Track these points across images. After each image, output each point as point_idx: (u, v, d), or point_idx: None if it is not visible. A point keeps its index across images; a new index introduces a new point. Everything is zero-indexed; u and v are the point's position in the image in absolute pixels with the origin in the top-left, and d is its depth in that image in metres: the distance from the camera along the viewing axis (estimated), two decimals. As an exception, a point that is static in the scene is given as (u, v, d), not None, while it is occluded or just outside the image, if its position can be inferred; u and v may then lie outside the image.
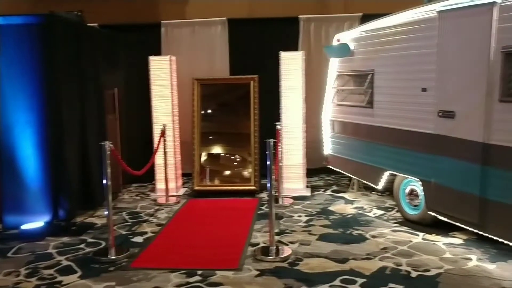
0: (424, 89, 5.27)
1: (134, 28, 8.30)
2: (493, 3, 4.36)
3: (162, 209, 6.67)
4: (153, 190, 7.62)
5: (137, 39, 8.24)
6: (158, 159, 7.17)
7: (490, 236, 4.56)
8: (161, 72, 7.35)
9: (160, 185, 7.40)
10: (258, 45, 8.33)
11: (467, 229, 4.89)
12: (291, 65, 7.22)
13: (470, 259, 4.58)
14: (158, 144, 6.99)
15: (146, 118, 7.63)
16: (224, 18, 8.41)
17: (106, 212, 5.00)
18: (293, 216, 6.19)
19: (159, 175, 7.39)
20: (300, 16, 8.41)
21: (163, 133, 7.00)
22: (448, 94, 4.95)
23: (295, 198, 7.00)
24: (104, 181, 4.88)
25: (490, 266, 4.40)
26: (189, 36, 8.54)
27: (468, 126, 4.68)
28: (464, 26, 4.73)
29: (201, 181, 7.50)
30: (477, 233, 4.80)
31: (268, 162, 4.89)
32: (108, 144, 4.89)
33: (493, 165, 4.43)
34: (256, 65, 7.95)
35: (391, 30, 5.84)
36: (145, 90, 7.53)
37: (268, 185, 4.88)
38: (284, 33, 8.36)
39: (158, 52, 8.13)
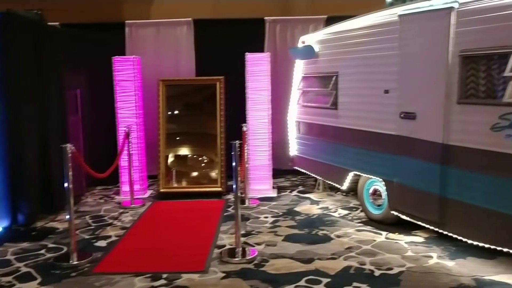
0: (386, 91, 5.38)
1: (97, 27, 8.13)
2: (451, 8, 4.50)
3: (127, 212, 6.56)
4: (118, 192, 7.49)
5: (101, 39, 8.07)
6: (123, 161, 7.06)
7: (449, 234, 4.70)
8: (126, 72, 7.24)
9: (125, 187, 7.28)
10: (224, 46, 8.31)
11: (428, 228, 5.01)
12: (257, 67, 7.24)
13: (431, 257, 4.70)
14: (123, 146, 6.87)
15: (110, 120, 7.50)
16: (190, 19, 8.35)
17: (67, 216, 4.87)
18: (259, 217, 6.20)
19: (124, 177, 7.27)
20: (265, 17, 8.44)
21: (127, 135, 6.89)
22: (409, 96, 5.07)
23: (261, 199, 7.02)
24: (66, 184, 4.76)
25: (450, 263, 4.53)
26: (154, 36, 8.44)
27: (428, 127, 4.81)
28: (424, 29, 4.86)
29: (167, 183, 7.42)
30: (437, 231, 4.93)
31: (234, 164, 4.90)
32: (69, 146, 4.77)
33: (451, 165, 4.56)
34: (222, 66, 7.93)
35: (354, 33, 5.94)
36: (109, 91, 7.40)
37: (234, 186, 4.87)
38: (250, 35, 8.38)
39: (122, 53, 8.01)
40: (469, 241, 4.47)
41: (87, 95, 7.63)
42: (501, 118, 4.04)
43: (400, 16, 5.15)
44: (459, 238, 4.58)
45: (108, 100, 7.50)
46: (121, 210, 6.67)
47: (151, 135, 7.65)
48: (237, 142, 4.90)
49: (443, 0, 4.64)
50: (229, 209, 6.53)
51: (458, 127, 4.50)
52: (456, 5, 4.46)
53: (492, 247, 4.25)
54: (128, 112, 7.29)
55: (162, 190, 7.32)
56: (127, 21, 8.35)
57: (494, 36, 4.12)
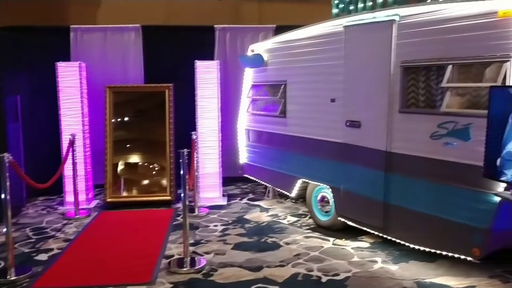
0: (333, 100, 5.51)
1: (40, 31, 7.82)
2: (393, 21, 4.67)
3: (71, 223, 6.33)
4: (62, 203, 7.21)
5: (44, 43, 7.79)
6: (67, 170, 6.81)
7: (393, 239, 4.84)
8: (70, 79, 7.02)
9: (69, 197, 7.02)
10: (173, 53, 8.24)
11: (373, 233, 5.15)
12: (207, 74, 7.23)
13: (376, 262, 4.82)
14: (67, 155, 6.64)
15: (53, 127, 7.22)
16: (138, 25, 8.21)
17: (4, 229, 4.64)
18: (209, 226, 6.16)
19: (68, 187, 7.01)
20: (215, 25, 8.44)
21: (72, 143, 6.66)
22: (354, 105, 5.21)
23: (211, 207, 6.97)
24: (3, 196, 4.53)
25: (393, 267, 4.66)
26: (101, 42, 8.22)
27: (372, 135, 4.95)
28: (368, 41, 5.01)
29: (115, 192, 7.23)
30: (382, 237, 5.07)
31: (182, 172, 4.84)
32: (7, 156, 4.55)
33: (394, 172, 4.72)
34: (171, 74, 7.86)
35: (302, 42, 6.04)
36: (52, 98, 7.14)
37: (182, 195, 4.81)
38: (200, 42, 8.35)
39: (67, 58, 7.75)
40: (411, 246, 4.63)
41: (28, 101, 7.32)
42: (440, 126, 4.22)
43: (345, 27, 5.29)
44: (402, 242, 4.73)
45: (51, 107, 7.23)
46: (65, 222, 6.43)
47: (99, 143, 7.44)
48: (185, 150, 4.85)
49: (385, 13, 4.82)
50: (178, 218, 6.44)
51: (400, 135, 4.66)
52: (397, 18, 4.64)
53: (433, 250, 4.41)
54: (73, 119, 7.06)
55: (108, 199, 7.13)
56: (72, 26, 8.10)
57: (432, 48, 4.32)
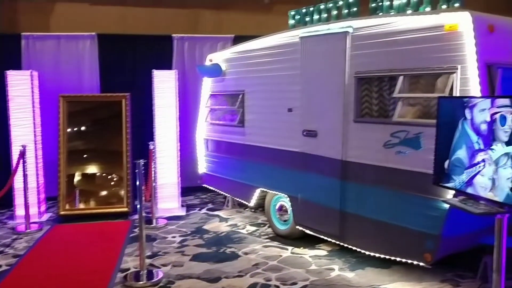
0: (290, 110, 5.56)
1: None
2: (346, 33, 4.78)
3: (21, 238, 6.08)
4: (12, 217, 6.92)
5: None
6: (17, 182, 6.55)
7: (349, 246, 4.92)
8: (21, 88, 6.78)
9: (19, 211, 6.75)
10: (131, 62, 8.14)
11: (331, 241, 5.21)
12: (164, 84, 7.16)
13: (333, 269, 4.88)
14: (17, 166, 6.39)
15: (3, 138, 6.95)
16: (94, 33, 8.05)
17: None
18: (167, 237, 6.06)
19: (18, 200, 6.74)
20: (173, 35, 8.39)
21: (22, 154, 6.42)
22: (311, 115, 5.28)
23: (169, 218, 6.87)
24: None
25: (350, 275, 4.73)
26: (54, 50, 7.99)
27: (328, 144, 5.03)
28: (323, 51, 5.11)
29: (69, 204, 7.01)
30: (339, 244, 5.14)
31: (137, 183, 4.76)
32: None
33: (349, 180, 4.80)
34: (128, 83, 7.76)
35: (259, 52, 6.09)
36: (2, 107, 6.87)
37: (138, 206, 4.73)
38: (158, 51, 8.28)
39: (18, 66, 7.49)
40: (367, 252, 4.71)
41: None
42: (392, 135, 4.34)
43: (301, 38, 5.37)
44: (358, 250, 4.81)
45: (1, 117, 6.96)
46: (15, 236, 6.16)
47: (52, 154, 7.21)
48: (141, 161, 4.77)
49: (339, 25, 4.93)
50: (136, 230, 6.31)
51: (355, 144, 4.76)
52: (350, 30, 4.75)
53: (387, 257, 4.50)
54: (24, 130, 6.81)
55: (62, 212, 6.90)
56: (23, 33, 7.84)
57: (384, 60, 4.44)
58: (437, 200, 3.91)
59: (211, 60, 7.15)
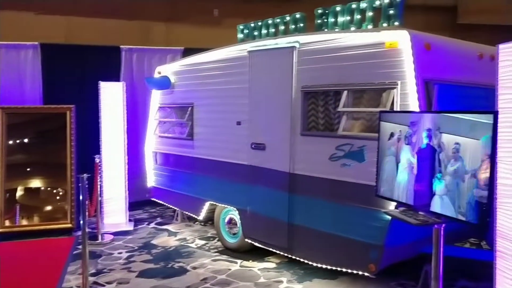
0: (238, 123, 5.59)
1: None
2: (293, 47, 4.88)
3: (-45, 258, 5.73)
4: None
5: None
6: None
7: (297, 258, 4.96)
8: (-44, 98, 6.44)
9: (-47, 229, 6.36)
10: (76, 73, 7.92)
11: (280, 253, 5.23)
12: (112, 96, 7.01)
13: (281, 282, 4.90)
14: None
15: None
16: (37, 43, 7.78)
17: None
18: (113, 254, 5.89)
19: (-48, 217, 6.37)
20: (122, 46, 8.25)
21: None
22: (259, 128, 5.32)
23: (116, 233, 6.69)
24: None
25: (298, 287, 4.77)
26: (-6, 59, 7.67)
27: (276, 157, 5.08)
28: (271, 66, 5.18)
29: (9, 221, 6.66)
30: (288, 256, 5.17)
31: (81, 198, 4.61)
32: None
33: (297, 193, 4.86)
34: (74, 94, 7.53)
35: (208, 66, 6.09)
36: None
37: (81, 222, 4.57)
38: (105, 63, 8.11)
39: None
40: (315, 264, 4.77)
41: None
42: (337, 149, 4.44)
43: (249, 52, 5.42)
44: (306, 261, 4.86)
45: None
46: None
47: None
48: (85, 175, 4.63)
49: (287, 40, 5.02)
50: (80, 246, 6.08)
51: (302, 157, 4.83)
52: (297, 45, 4.85)
53: (334, 268, 4.58)
54: (-41, 143, 6.46)
55: (0, 230, 6.55)
56: (-41, 42, 7.48)
57: (329, 75, 4.56)
58: (380, 211, 4.03)
59: (160, 73, 7.08)
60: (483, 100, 4.34)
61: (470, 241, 5.79)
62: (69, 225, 6.76)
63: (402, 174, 3.57)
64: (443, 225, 3.18)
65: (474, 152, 2.97)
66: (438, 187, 3.23)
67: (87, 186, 4.67)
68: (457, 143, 3.09)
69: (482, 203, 2.92)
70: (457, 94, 4.13)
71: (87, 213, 4.71)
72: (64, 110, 7.02)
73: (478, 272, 4.81)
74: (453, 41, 4.65)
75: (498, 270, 3.17)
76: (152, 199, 7.44)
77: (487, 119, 2.92)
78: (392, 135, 3.70)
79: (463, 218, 3.04)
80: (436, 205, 3.24)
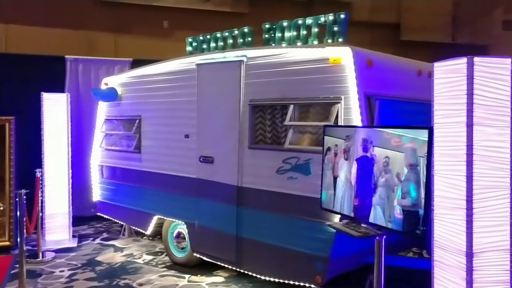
0: (187, 136, 5.55)
1: None
2: (241, 61, 4.91)
3: None
4: None
5: None
6: None
7: (245, 271, 4.95)
8: None
9: None
10: (16, 83, 7.60)
11: (228, 267, 5.20)
12: (55, 107, 6.78)
13: (230, 296, 4.87)
14: None
15: None
16: (-26, 51, 7.44)
17: None
18: (54, 272, 5.64)
19: None
20: (66, 56, 8.02)
21: None
22: (207, 141, 5.30)
23: (58, 250, 6.42)
24: None
25: (246, 300, 4.75)
26: None
27: (225, 170, 5.07)
28: (219, 79, 5.19)
29: None
30: (236, 270, 5.15)
31: (18, 214, 4.41)
32: None
33: (245, 206, 4.87)
34: (14, 105, 7.21)
35: (156, 78, 6.03)
36: None
37: (18, 239, 4.37)
38: (49, 73, 7.84)
39: None
40: (263, 277, 4.77)
41: None
42: (284, 162, 4.49)
43: (197, 65, 5.42)
44: (255, 275, 4.86)
45: None
46: None
47: None
48: (23, 190, 4.44)
49: (235, 53, 5.06)
50: (17, 265, 5.80)
51: (250, 170, 4.85)
52: (245, 59, 4.90)
53: (282, 280, 4.59)
54: None
55: None
56: None
57: (276, 89, 4.63)
58: (325, 223, 4.09)
59: (106, 84, 6.93)
60: (422, 115, 4.53)
61: (413, 251, 6.00)
62: (7, 243, 6.42)
63: (342, 187, 3.66)
64: (384, 236, 3.28)
65: (400, 165, 3.12)
66: (373, 198, 3.35)
67: (25, 202, 4.47)
68: (386, 157, 3.22)
69: (408, 211, 3.05)
70: (398, 109, 4.30)
71: (25, 230, 4.50)
72: (3, 122, 6.70)
73: (419, 281, 4.97)
74: (394, 58, 4.85)
75: (435, 279, 3.30)
76: (98, 213, 7.22)
77: (416, 134, 3.09)
78: (329, 149, 3.81)
79: (392, 227, 3.18)
80: (373, 217, 3.35)
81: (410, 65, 4.91)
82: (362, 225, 3.45)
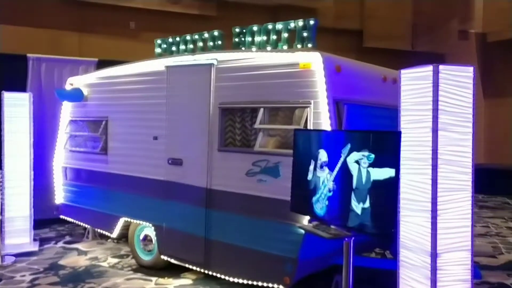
0: (155, 138, 5.51)
1: None
2: (211, 64, 4.94)
3: None
4: None
5: None
6: None
7: (214, 273, 4.96)
8: None
9: None
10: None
11: (196, 269, 5.19)
12: (16, 107, 6.57)
13: (198, 298, 4.87)
14: None
15: None
16: None
17: None
18: (14, 277, 5.48)
19: None
20: (29, 54, 7.80)
21: None
22: (177, 143, 5.29)
23: (19, 255, 6.23)
24: None
25: (214, 302, 4.76)
26: None
27: (194, 173, 5.08)
28: (189, 81, 5.20)
29: None
30: (204, 272, 5.15)
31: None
32: None
33: (214, 208, 4.89)
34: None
35: (125, 79, 5.96)
36: None
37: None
38: (10, 72, 7.61)
39: None
40: (231, 279, 4.80)
41: None
42: (254, 164, 4.54)
43: (167, 67, 5.40)
44: (223, 277, 4.87)
45: None
46: None
47: None
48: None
49: (205, 56, 5.08)
50: (-24, 270, 5.61)
51: (219, 173, 4.87)
52: (215, 62, 4.92)
53: (250, 282, 4.63)
54: None
55: None
56: None
57: (246, 92, 4.68)
58: (294, 225, 4.17)
59: (72, 84, 6.80)
60: (387, 119, 4.69)
61: (376, 252, 6.18)
62: (-36, 248, 6.19)
63: (313, 189, 3.74)
64: (352, 238, 3.38)
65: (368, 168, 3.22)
66: (343, 200, 3.42)
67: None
68: (356, 161, 3.29)
69: (377, 213, 3.13)
70: (365, 113, 4.43)
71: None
72: (-40, 122, 6.47)
73: (382, 281, 5.13)
74: (360, 64, 4.99)
75: (401, 278, 3.43)
76: (61, 216, 7.05)
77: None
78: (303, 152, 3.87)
79: (360, 229, 3.26)
80: (342, 218, 3.41)
81: (375, 71, 5.07)
82: (332, 226, 3.53)
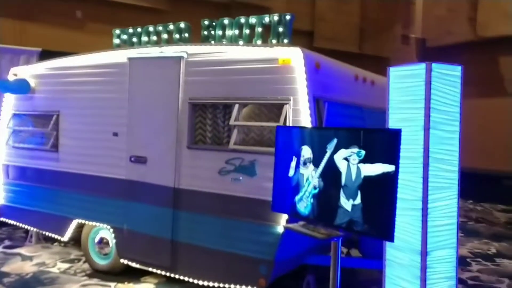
0: (115, 134, 5.17)
1: None
2: (181, 57, 4.70)
3: None
4: None
5: None
6: None
7: (180, 277, 4.72)
8: None
9: None
10: None
11: (158, 273, 4.93)
12: (-48, 98, 5.95)
13: (163, 304, 4.61)
14: None
15: None
16: None
17: None
18: (-48, 287, 4.93)
19: None
20: (-39, 41, 7.12)
21: None
22: (140, 140, 4.98)
23: (-46, 262, 5.64)
24: None
25: (182, 307, 4.53)
26: None
27: (160, 171, 4.81)
28: (155, 75, 4.91)
29: None
30: (166, 276, 4.89)
31: None
32: None
33: (183, 209, 4.65)
34: None
35: (80, 71, 5.55)
36: None
37: None
38: None
39: None
40: (200, 282, 4.59)
41: None
42: (227, 163, 4.37)
43: (129, 59, 5.08)
44: (191, 280, 4.65)
45: None
46: None
47: None
48: None
49: (174, 49, 4.83)
50: None
51: (188, 171, 4.64)
52: (185, 55, 4.69)
53: (222, 285, 4.45)
54: None
55: None
56: None
57: (219, 87, 4.49)
58: (271, 226, 4.05)
59: (16, 75, 6.24)
60: (358, 119, 4.71)
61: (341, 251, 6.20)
62: None
63: (296, 187, 3.63)
64: (341, 238, 3.32)
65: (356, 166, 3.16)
66: (329, 199, 3.33)
67: None
68: (344, 158, 3.22)
69: (362, 209, 3.08)
70: (341, 112, 4.40)
71: None
72: None
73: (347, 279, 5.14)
74: (335, 62, 4.94)
75: (388, 278, 3.41)
76: (1, 219, 6.46)
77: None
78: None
79: (349, 227, 3.19)
80: (330, 217, 3.33)
81: (348, 70, 5.06)
82: (318, 226, 3.44)
